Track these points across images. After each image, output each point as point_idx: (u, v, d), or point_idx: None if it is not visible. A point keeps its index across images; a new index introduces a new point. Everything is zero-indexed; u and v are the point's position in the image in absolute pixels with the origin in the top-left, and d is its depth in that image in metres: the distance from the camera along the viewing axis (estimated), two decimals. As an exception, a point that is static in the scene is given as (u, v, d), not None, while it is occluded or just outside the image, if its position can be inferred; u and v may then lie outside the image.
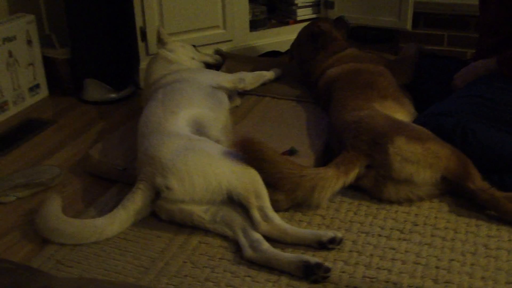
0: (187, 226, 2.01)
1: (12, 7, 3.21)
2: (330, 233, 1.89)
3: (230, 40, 3.45)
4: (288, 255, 1.81)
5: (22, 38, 3.08)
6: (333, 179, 2.04)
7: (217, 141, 2.19)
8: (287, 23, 3.79)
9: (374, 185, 2.12)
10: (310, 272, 1.74)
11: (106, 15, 3.09)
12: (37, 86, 3.21)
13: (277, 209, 2.00)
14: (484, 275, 1.74)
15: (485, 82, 2.37)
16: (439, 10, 3.49)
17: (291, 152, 2.30)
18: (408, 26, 3.39)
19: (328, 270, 1.74)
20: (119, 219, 1.99)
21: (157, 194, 1.99)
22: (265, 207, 1.96)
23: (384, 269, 1.78)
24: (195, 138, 2.13)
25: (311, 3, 3.78)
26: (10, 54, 3.00)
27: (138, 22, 3.14)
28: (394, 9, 3.40)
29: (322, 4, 3.73)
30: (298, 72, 3.07)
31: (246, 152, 2.03)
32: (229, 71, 2.96)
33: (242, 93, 2.90)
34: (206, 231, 2.00)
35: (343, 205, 2.12)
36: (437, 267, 1.78)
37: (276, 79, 3.09)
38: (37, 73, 3.20)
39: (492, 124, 2.23)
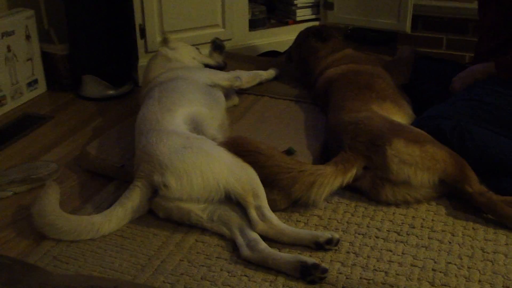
0: (184, 224, 2.01)
1: (12, 1, 3.20)
2: (327, 234, 1.89)
3: (229, 39, 3.45)
4: (285, 255, 1.81)
5: (21, 33, 3.07)
6: (331, 177, 2.04)
7: (214, 139, 2.19)
8: (286, 23, 3.80)
9: (372, 187, 2.13)
10: (307, 272, 1.74)
11: (106, 12, 3.09)
12: (35, 81, 3.20)
13: (274, 209, 2.00)
14: (481, 279, 1.75)
15: (483, 86, 2.38)
16: (438, 13, 3.49)
17: (289, 152, 2.30)
18: (408, 28, 3.39)
19: (325, 271, 1.74)
20: (116, 216, 1.99)
21: (154, 191, 1.99)
22: (262, 206, 1.96)
23: (381, 271, 1.79)
24: (193, 136, 2.12)
25: (310, 4, 3.79)
26: (9, 48, 2.99)
27: (137, 20, 3.14)
28: (394, 11, 3.40)
29: (321, 5, 3.73)
30: (296, 73, 3.08)
31: (238, 149, 2.02)
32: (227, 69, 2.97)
33: (240, 92, 2.90)
34: (203, 230, 1.99)
35: (340, 206, 2.12)
36: (434, 270, 1.79)
37: (274, 79, 3.10)
38: (36, 68, 3.19)
39: (490, 127, 2.24)
